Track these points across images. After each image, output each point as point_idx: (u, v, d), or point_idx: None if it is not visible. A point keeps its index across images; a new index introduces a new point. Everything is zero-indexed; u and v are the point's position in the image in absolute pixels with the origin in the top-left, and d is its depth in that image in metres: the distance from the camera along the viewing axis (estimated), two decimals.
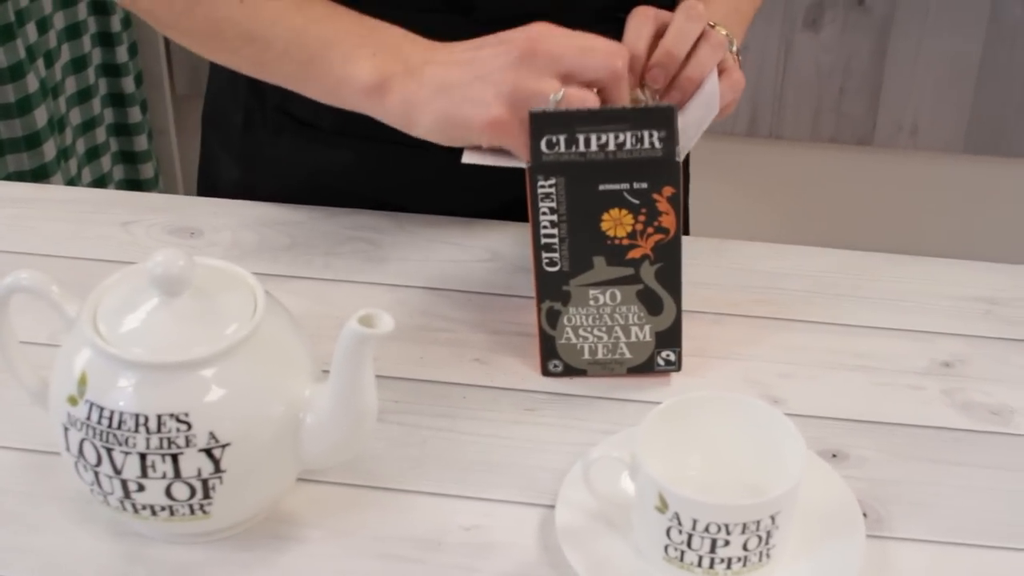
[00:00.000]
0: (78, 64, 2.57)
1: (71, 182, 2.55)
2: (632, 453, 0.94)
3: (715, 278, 1.22)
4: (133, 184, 2.78)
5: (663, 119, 1.00)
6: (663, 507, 0.91)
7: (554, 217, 1.03)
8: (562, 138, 1.00)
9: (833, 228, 2.86)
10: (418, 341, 1.15)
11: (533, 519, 1.00)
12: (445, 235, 1.28)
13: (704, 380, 1.12)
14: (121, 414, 0.89)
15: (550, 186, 1.02)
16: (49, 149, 2.42)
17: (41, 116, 2.39)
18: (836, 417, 1.09)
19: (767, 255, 1.28)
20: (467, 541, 0.98)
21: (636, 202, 1.03)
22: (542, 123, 1.00)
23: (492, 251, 1.26)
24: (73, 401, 0.91)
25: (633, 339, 1.09)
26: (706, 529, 0.90)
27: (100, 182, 2.68)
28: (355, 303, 1.19)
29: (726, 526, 0.90)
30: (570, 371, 1.11)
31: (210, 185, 1.44)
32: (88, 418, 0.90)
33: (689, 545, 0.91)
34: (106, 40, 2.63)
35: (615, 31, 1.25)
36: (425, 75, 1.06)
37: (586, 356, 1.10)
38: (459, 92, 1.04)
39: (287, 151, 1.35)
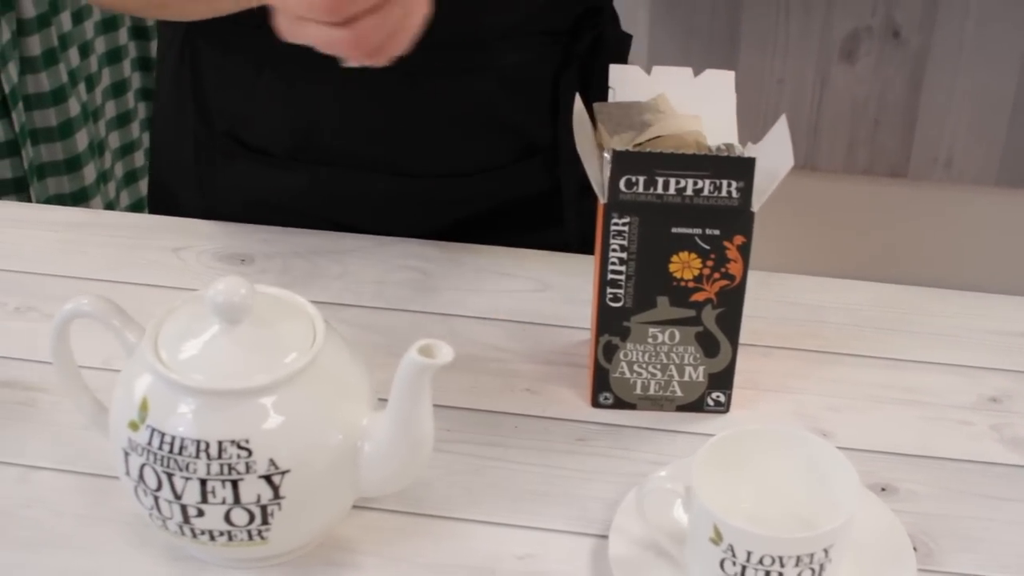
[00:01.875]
0: (118, 88, 2.58)
1: (110, 205, 2.56)
2: (686, 484, 0.95)
3: (762, 311, 1.23)
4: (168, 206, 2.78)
5: (743, 170, 1.01)
6: (718, 539, 0.91)
7: (623, 255, 1.04)
8: (641, 179, 1.01)
9: (866, 259, 2.87)
10: (469, 370, 1.16)
11: (586, 548, 1.01)
12: (495, 265, 1.29)
13: (754, 413, 1.13)
14: (182, 440, 0.90)
15: (623, 224, 1.03)
16: (89, 172, 2.43)
17: (82, 140, 2.41)
18: (885, 451, 1.10)
19: (811, 288, 1.28)
20: (521, 570, 0.99)
21: (706, 247, 1.04)
22: (624, 163, 1.01)
23: (542, 281, 1.27)
24: (134, 426, 0.92)
25: (686, 378, 1.10)
26: (760, 561, 0.91)
27: (138, 206, 2.69)
28: (406, 332, 1.20)
29: (780, 558, 0.90)
30: (620, 404, 1.12)
31: (166, 209, 1.44)
32: (149, 443, 0.91)
33: None
34: (145, 65, 2.65)
35: (556, 54, 1.27)
36: None
37: (638, 391, 1.11)
38: None
39: (239, 175, 1.36)
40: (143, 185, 2.70)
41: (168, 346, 0.93)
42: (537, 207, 1.37)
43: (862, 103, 2.74)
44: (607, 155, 1.02)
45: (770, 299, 1.25)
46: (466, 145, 1.32)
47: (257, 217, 1.35)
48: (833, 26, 2.68)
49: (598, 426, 1.11)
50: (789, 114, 1.09)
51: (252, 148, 1.33)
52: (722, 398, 1.12)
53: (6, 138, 2.25)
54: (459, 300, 1.25)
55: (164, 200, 1.46)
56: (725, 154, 1.03)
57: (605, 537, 1.01)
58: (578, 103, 1.07)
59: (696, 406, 1.12)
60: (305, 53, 1.23)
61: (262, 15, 1.20)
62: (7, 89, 2.22)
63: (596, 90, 1.30)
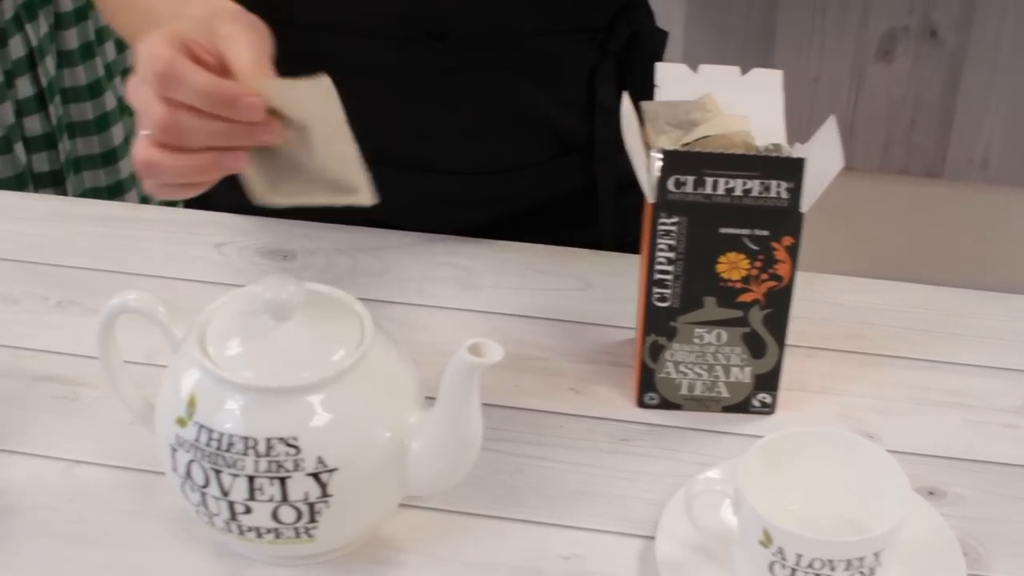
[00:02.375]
0: None
1: (144, 199, 2.56)
2: (735, 486, 0.94)
3: (806, 311, 1.22)
4: (202, 202, 2.79)
5: (793, 171, 1.00)
6: (767, 541, 0.91)
7: (671, 255, 1.04)
8: (690, 179, 1.01)
9: (899, 259, 2.86)
10: (513, 369, 1.15)
11: (632, 549, 1.00)
12: (537, 263, 1.28)
13: (799, 414, 1.12)
14: (230, 436, 0.90)
15: (671, 224, 1.03)
16: (125, 166, 2.44)
17: (118, 133, 2.41)
18: (932, 454, 1.09)
19: (855, 289, 1.28)
20: (567, 571, 0.99)
21: (755, 248, 1.03)
22: (673, 162, 1.00)
23: (585, 280, 1.26)
24: (182, 423, 0.92)
25: (732, 379, 1.10)
26: (810, 565, 0.90)
27: (173, 200, 2.69)
28: (450, 330, 1.20)
29: (831, 562, 0.90)
30: (665, 404, 1.12)
31: (199, 204, 1.44)
32: (197, 440, 0.91)
33: None
34: None
35: (591, 51, 1.26)
36: None
37: (683, 391, 1.11)
38: None
39: None
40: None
41: (216, 342, 0.93)
42: (572, 205, 1.36)
43: (898, 103, 2.73)
44: (656, 154, 1.01)
45: (814, 299, 1.24)
46: (500, 142, 1.31)
47: (290, 213, 1.34)
48: (870, 25, 2.67)
49: (643, 426, 1.11)
50: (825, 113, 1.08)
51: None
52: (768, 399, 1.11)
53: (43, 131, 2.25)
54: (502, 298, 1.24)
55: (200, 199, 1.46)
56: (774, 155, 1.03)
57: (651, 538, 1.00)
58: (626, 101, 1.06)
59: (742, 407, 1.11)
60: (338, 48, 1.23)
61: (290, 14, 1.21)
62: (44, 83, 2.22)
63: (632, 87, 1.29)
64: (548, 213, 1.36)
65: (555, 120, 1.31)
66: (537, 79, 1.28)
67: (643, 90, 1.25)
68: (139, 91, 0.95)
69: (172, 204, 2.58)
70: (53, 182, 2.30)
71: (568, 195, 1.36)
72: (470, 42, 1.20)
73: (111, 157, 2.40)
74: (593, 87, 1.31)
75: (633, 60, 1.30)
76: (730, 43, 2.71)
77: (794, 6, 2.67)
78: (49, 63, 2.24)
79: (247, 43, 0.98)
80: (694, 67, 1.13)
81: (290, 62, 1.26)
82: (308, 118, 0.96)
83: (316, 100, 0.95)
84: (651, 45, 1.35)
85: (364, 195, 0.99)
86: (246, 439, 0.89)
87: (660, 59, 1.20)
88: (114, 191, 2.42)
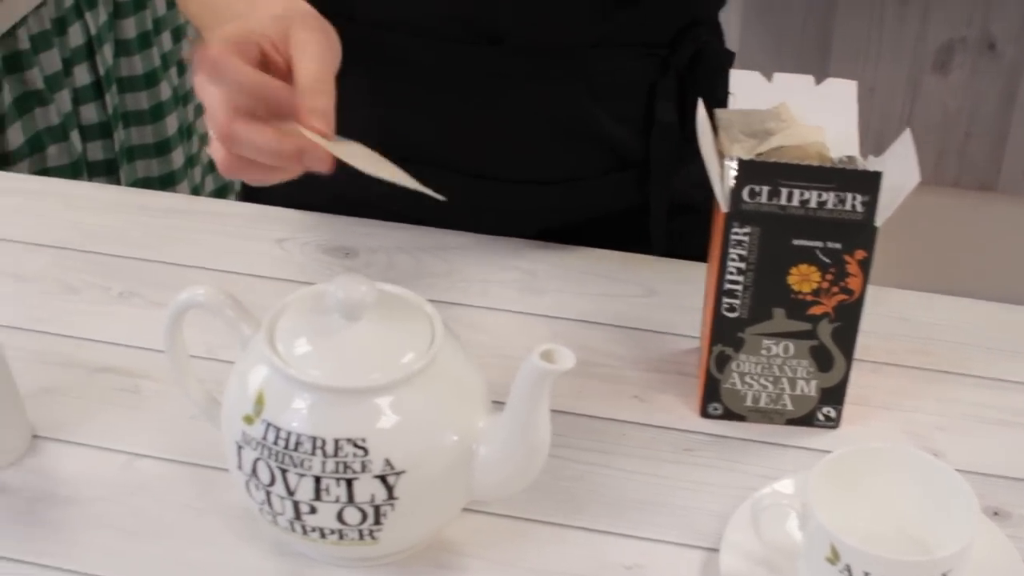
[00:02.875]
0: None
1: (196, 189, 2.57)
2: (802, 500, 0.93)
3: (872, 326, 1.21)
4: (264, 196, 2.79)
5: (870, 184, 0.99)
6: (834, 558, 0.90)
7: (742, 264, 1.03)
8: (765, 189, 1.00)
9: (951, 272, 2.84)
10: (576, 375, 1.14)
11: (694, 561, 0.99)
12: (600, 268, 1.28)
13: (864, 430, 1.11)
14: (298, 436, 0.89)
15: (744, 234, 1.02)
16: (178, 156, 2.44)
17: (172, 124, 2.41)
18: (996, 474, 1.08)
19: (921, 304, 1.26)
20: None
21: (827, 261, 1.02)
22: (748, 172, 1.00)
23: (648, 287, 1.25)
24: (249, 420, 0.92)
25: (798, 392, 1.09)
26: None
27: (222, 191, 2.70)
28: (513, 333, 1.19)
29: None
30: (729, 415, 1.11)
31: (253, 193, 1.44)
32: (264, 438, 0.91)
33: None
34: None
35: (652, 66, 1.25)
36: None
37: (748, 403, 1.10)
38: None
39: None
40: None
41: (285, 340, 0.93)
42: (624, 224, 1.34)
43: (954, 114, 2.72)
44: (731, 163, 1.00)
45: (880, 314, 1.23)
46: (552, 153, 1.30)
47: (341, 211, 1.34)
48: (927, 36, 2.66)
49: (706, 437, 1.10)
50: (879, 124, 1.08)
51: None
52: (833, 413, 1.10)
53: (99, 120, 2.26)
54: (565, 302, 1.24)
55: (255, 190, 1.46)
56: (851, 167, 1.02)
57: (713, 550, 0.99)
58: (701, 109, 1.05)
59: (806, 420, 1.10)
60: (395, 47, 1.23)
61: (350, 10, 1.20)
62: (102, 71, 2.23)
63: (693, 105, 1.28)
64: (599, 229, 1.34)
65: (611, 134, 1.29)
66: (594, 92, 1.26)
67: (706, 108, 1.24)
68: (205, 96, 0.96)
69: (224, 194, 2.58)
70: (107, 170, 2.31)
71: (620, 213, 1.34)
72: (527, 49, 1.19)
73: (164, 147, 2.41)
74: (652, 103, 1.29)
75: (696, 78, 1.28)
76: (786, 52, 2.70)
77: (851, 16, 2.66)
78: (107, 52, 2.25)
79: (315, 54, 0.98)
80: (768, 75, 1.12)
81: (348, 59, 1.27)
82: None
83: (363, 159, 0.96)
84: (716, 64, 1.32)
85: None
86: (314, 439, 0.89)
87: (726, 79, 1.19)
88: (166, 181, 2.43)
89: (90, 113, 2.25)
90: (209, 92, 0.95)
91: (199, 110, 2.60)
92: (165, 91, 2.39)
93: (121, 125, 2.34)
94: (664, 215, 1.33)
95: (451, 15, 1.20)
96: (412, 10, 1.21)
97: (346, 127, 1.28)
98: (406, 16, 1.21)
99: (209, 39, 0.97)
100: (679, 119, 1.28)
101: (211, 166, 2.67)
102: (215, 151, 0.96)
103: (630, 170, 1.32)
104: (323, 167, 0.95)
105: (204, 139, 2.62)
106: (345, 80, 1.26)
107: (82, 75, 2.21)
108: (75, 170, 2.18)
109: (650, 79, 1.28)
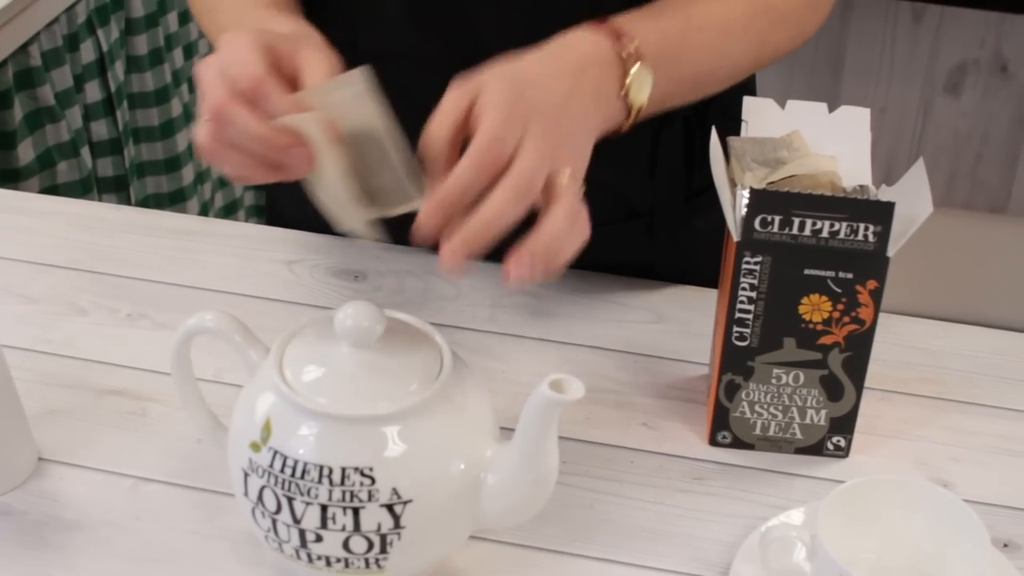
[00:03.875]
0: None
1: (204, 206, 2.57)
2: (811, 532, 0.93)
3: (881, 353, 1.20)
4: (262, 211, 2.80)
5: (882, 214, 0.99)
6: None
7: (752, 294, 1.03)
8: (777, 219, 0.99)
9: (961, 295, 2.83)
10: (584, 401, 1.13)
11: None
12: (609, 294, 1.27)
13: (873, 459, 1.11)
14: (305, 464, 0.89)
15: (755, 263, 1.01)
16: (188, 173, 2.44)
17: (182, 140, 2.41)
18: (1008, 505, 1.07)
19: (932, 333, 1.26)
20: None
21: (838, 290, 1.02)
22: (760, 201, 0.99)
23: (658, 313, 1.25)
24: (256, 447, 0.91)
25: (807, 421, 1.08)
26: None
27: (231, 208, 2.70)
28: (521, 359, 1.19)
29: None
30: (738, 444, 1.10)
31: (276, 216, 1.44)
32: (271, 465, 0.90)
33: None
34: None
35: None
36: None
37: (757, 431, 1.09)
38: None
39: None
40: (237, 188, 2.71)
41: (293, 367, 0.92)
42: (633, 275, 1.33)
43: (965, 136, 2.71)
44: (743, 192, 1.00)
45: (890, 342, 1.23)
46: None
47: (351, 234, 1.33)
48: (939, 58, 2.65)
49: (715, 465, 1.09)
50: (890, 144, 1.07)
51: None
52: (842, 443, 1.10)
53: (110, 136, 2.26)
54: (573, 328, 1.23)
55: (272, 210, 1.46)
56: (864, 197, 1.01)
57: None
58: (714, 136, 1.05)
59: (815, 449, 1.10)
60: (395, 77, 1.23)
61: (352, 39, 1.20)
62: (113, 87, 2.23)
63: (700, 152, 1.26)
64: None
65: (612, 181, 1.27)
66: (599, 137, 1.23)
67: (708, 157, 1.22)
68: (208, 74, 0.96)
69: (233, 212, 2.58)
70: (117, 187, 2.30)
71: (627, 267, 1.32)
72: None
73: (175, 164, 2.41)
74: (656, 150, 1.28)
75: (704, 125, 1.25)
76: (798, 71, 2.70)
77: (863, 36, 2.66)
78: (118, 68, 2.25)
79: (324, 70, 0.98)
80: (781, 103, 1.11)
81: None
82: (354, 124, 0.96)
83: (355, 105, 0.96)
84: (725, 109, 1.29)
85: (419, 200, 0.97)
86: (321, 467, 0.89)
87: (737, 123, 1.16)
88: (176, 198, 2.43)
89: (101, 129, 2.25)
90: (211, 72, 0.96)
91: None
92: (176, 108, 2.39)
93: (131, 141, 2.34)
94: (672, 274, 1.32)
95: (446, 48, 1.19)
96: (411, 42, 1.20)
97: None
98: (405, 47, 1.21)
99: (225, 37, 0.98)
100: (686, 168, 1.27)
101: (220, 183, 2.67)
102: (201, 132, 0.96)
103: (636, 220, 1.30)
104: (302, 169, 0.95)
105: None
106: None
107: (93, 91, 2.21)
108: (85, 186, 2.18)
109: (654, 124, 1.25)
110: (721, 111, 1.23)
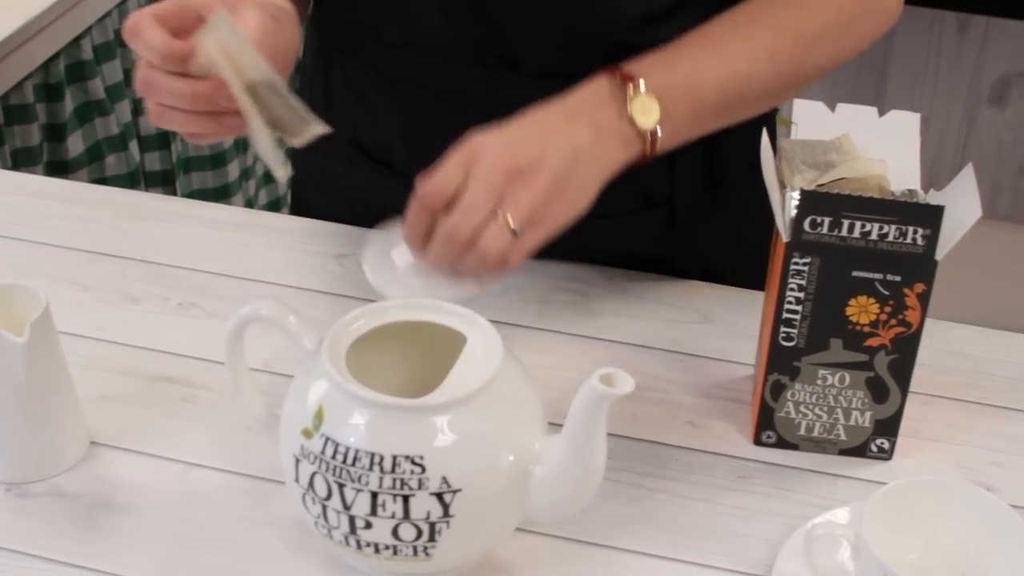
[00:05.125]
0: None
1: (249, 202, 2.59)
2: (856, 531, 0.93)
3: (925, 358, 1.20)
4: (323, 213, 2.81)
5: (932, 218, 0.99)
6: None
7: (800, 294, 1.03)
8: (827, 220, 1.00)
9: (1004, 305, 2.83)
10: (630, 399, 1.13)
11: None
12: (656, 293, 1.28)
13: (917, 462, 1.11)
14: (356, 451, 0.90)
15: (804, 264, 1.02)
16: (233, 169, 2.46)
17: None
18: None
19: (976, 339, 1.26)
20: None
21: (886, 293, 1.02)
22: (811, 203, 1.00)
23: (703, 313, 1.26)
24: (308, 434, 0.92)
25: (852, 423, 1.09)
26: None
27: (275, 205, 2.72)
28: (568, 355, 1.20)
29: None
30: (782, 444, 1.11)
31: (302, 208, 1.45)
32: (322, 452, 0.91)
33: None
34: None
35: None
36: None
37: (801, 432, 1.10)
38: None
39: (364, 185, 1.35)
40: (282, 185, 2.72)
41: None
42: (656, 268, 1.33)
43: (1008, 148, 2.71)
44: (793, 194, 1.01)
45: (935, 347, 1.23)
46: None
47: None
48: (984, 69, 2.65)
49: (759, 464, 1.10)
50: (933, 155, 1.08)
51: (373, 158, 1.33)
52: (886, 445, 1.10)
53: (157, 131, 2.28)
54: (620, 326, 1.24)
55: (297, 203, 1.47)
56: (913, 201, 1.02)
57: None
58: (765, 137, 1.06)
59: (859, 451, 1.10)
60: (419, 68, 1.23)
61: (378, 31, 1.21)
62: None
63: (718, 144, 1.26)
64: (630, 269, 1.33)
65: (631, 170, 1.27)
66: None
67: (739, 149, 1.22)
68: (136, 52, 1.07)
69: (276, 208, 2.59)
70: (163, 181, 2.32)
71: (649, 260, 1.33)
72: (543, 76, 1.19)
73: (220, 160, 2.43)
74: None
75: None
76: (842, 83, 2.70)
77: (908, 47, 2.66)
78: None
79: (254, 27, 1.05)
80: (831, 105, 1.12)
81: (376, 79, 1.27)
82: (234, 61, 1.03)
83: (226, 41, 1.02)
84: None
85: (313, 127, 1.06)
86: (372, 454, 0.90)
87: (753, 132, 1.16)
88: (221, 193, 2.44)
89: (149, 124, 2.27)
90: (137, 50, 1.05)
91: None
92: None
93: (179, 137, 2.35)
94: (695, 268, 1.33)
95: (471, 40, 1.20)
96: (435, 34, 1.21)
97: (378, 140, 1.28)
98: (429, 39, 1.22)
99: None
100: (705, 159, 1.28)
101: (265, 179, 2.68)
102: (147, 104, 1.06)
103: (656, 210, 1.31)
104: (231, 108, 1.03)
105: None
106: (376, 95, 1.27)
107: None
108: (132, 180, 2.20)
109: None
110: None
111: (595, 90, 1.08)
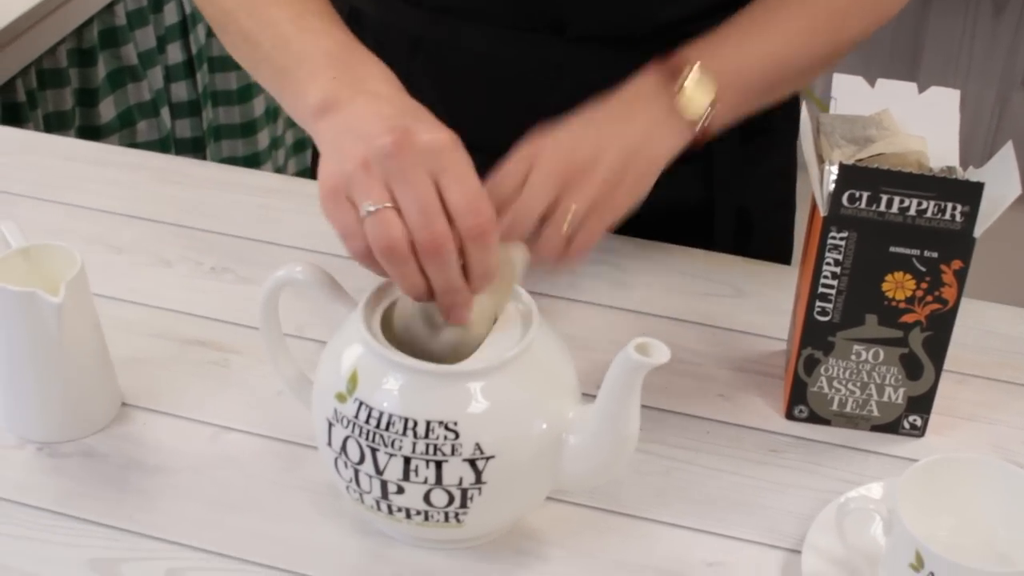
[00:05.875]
0: None
1: (279, 171, 2.59)
2: (889, 506, 0.93)
3: (959, 337, 1.19)
4: None
5: (971, 194, 0.99)
6: (918, 565, 0.90)
7: (837, 269, 1.03)
8: (865, 195, 1.00)
9: None
10: (662, 371, 1.12)
11: (775, 561, 0.99)
12: (688, 266, 1.28)
13: (949, 440, 1.11)
14: (390, 416, 0.90)
15: (841, 238, 1.02)
16: (263, 138, 2.46)
17: (259, 105, 2.43)
18: None
19: (1007, 318, 1.26)
20: None
21: (923, 269, 1.02)
22: (849, 177, 0.99)
23: (736, 287, 1.25)
24: (341, 398, 0.92)
25: (885, 399, 1.08)
26: None
27: (304, 174, 2.72)
28: (600, 327, 1.20)
29: None
30: (814, 419, 1.11)
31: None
32: (356, 416, 0.91)
33: None
34: None
35: None
36: (344, 110, 0.98)
37: (834, 407, 1.10)
38: (342, 139, 0.96)
39: None
40: (310, 155, 2.72)
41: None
42: (687, 220, 1.34)
43: None
44: (832, 168, 1.00)
45: (968, 326, 1.22)
46: None
47: None
48: (1019, 51, 2.64)
49: (791, 439, 1.10)
50: (965, 138, 1.07)
51: None
52: (919, 422, 1.10)
53: (189, 98, 2.28)
54: (652, 298, 1.24)
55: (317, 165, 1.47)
56: (953, 177, 1.01)
57: (795, 551, 0.99)
58: (804, 111, 1.05)
59: (891, 427, 1.10)
60: (459, 34, 1.23)
61: None
62: (194, 50, 2.25)
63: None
64: (662, 223, 1.33)
65: None
66: None
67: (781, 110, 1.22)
68: (341, 208, 0.95)
69: (305, 177, 2.60)
70: (194, 148, 2.33)
71: (685, 209, 1.33)
72: (588, 38, 1.19)
73: (251, 128, 2.43)
74: None
75: None
76: (875, 57, 2.69)
77: (943, 28, 2.64)
78: (200, 31, 2.27)
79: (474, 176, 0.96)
80: (871, 81, 1.12)
81: (414, 45, 1.27)
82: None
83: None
84: None
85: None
86: (406, 419, 0.90)
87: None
88: (251, 161, 2.45)
89: (180, 91, 2.27)
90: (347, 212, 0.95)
91: None
92: None
93: (210, 104, 2.36)
94: (730, 215, 1.33)
95: (515, 3, 1.20)
96: None
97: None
98: (470, 3, 1.21)
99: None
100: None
101: (295, 148, 2.68)
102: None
103: (692, 162, 1.30)
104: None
105: (288, 121, 2.64)
106: (412, 64, 1.27)
107: (175, 53, 2.23)
108: (163, 146, 2.20)
109: None
110: None
111: (646, 83, 1.08)
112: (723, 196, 1.32)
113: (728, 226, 1.33)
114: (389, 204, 0.91)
